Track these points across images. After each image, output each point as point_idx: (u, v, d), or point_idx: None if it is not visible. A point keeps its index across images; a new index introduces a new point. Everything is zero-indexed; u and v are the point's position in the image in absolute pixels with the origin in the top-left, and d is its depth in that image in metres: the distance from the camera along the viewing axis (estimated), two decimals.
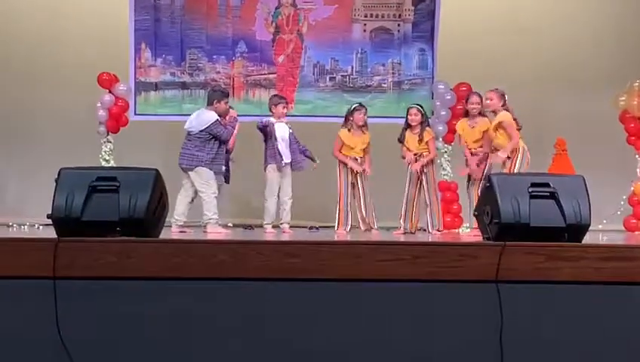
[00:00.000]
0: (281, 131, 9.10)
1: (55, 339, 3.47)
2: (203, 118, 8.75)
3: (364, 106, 9.37)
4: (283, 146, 9.05)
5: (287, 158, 9.04)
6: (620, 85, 9.92)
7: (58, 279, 3.50)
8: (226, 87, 10.31)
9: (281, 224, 9.01)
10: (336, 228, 9.13)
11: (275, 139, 8.97)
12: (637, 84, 9.98)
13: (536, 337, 3.63)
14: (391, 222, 9.30)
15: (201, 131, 8.68)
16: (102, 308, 3.57)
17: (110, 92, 9.99)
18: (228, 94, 9.21)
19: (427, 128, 9.06)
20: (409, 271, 3.59)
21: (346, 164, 9.15)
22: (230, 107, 9.09)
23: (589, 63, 10.68)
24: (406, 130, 9.08)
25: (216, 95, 9.02)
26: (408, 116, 9.13)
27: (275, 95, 9.66)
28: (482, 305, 3.61)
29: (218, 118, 8.75)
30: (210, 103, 8.94)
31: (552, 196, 4.10)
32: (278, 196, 9.01)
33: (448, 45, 10.81)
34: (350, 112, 9.25)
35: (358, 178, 9.17)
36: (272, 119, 9.09)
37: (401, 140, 9.03)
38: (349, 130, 9.21)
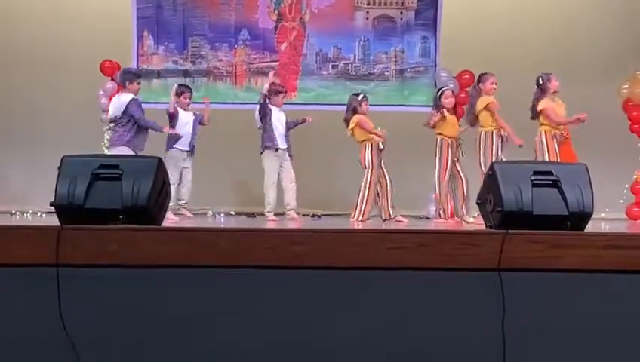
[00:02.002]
0: (280, 119, 9.10)
1: (58, 327, 3.48)
2: (121, 101, 8.67)
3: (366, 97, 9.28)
4: (281, 133, 9.05)
5: (283, 144, 9.04)
6: (623, 73, 9.91)
7: (61, 266, 3.51)
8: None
9: (288, 210, 8.99)
10: (359, 216, 8.93)
11: (272, 123, 8.96)
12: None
13: (539, 325, 3.63)
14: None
15: (122, 115, 8.60)
16: (105, 295, 3.58)
17: (112, 80, 10.00)
18: (139, 75, 9.14)
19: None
20: (412, 259, 3.59)
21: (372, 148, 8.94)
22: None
23: (592, 50, 10.68)
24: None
25: (128, 76, 8.96)
26: (443, 100, 8.97)
27: (273, 83, 9.58)
28: (484, 293, 3.61)
29: (134, 97, 8.67)
30: (123, 86, 8.87)
31: (555, 184, 4.09)
32: (279, 183, 9.00)
33: (451, 33, 10.82)
34: (359, 102, 9.13)
35: (383, 165, 9.02)
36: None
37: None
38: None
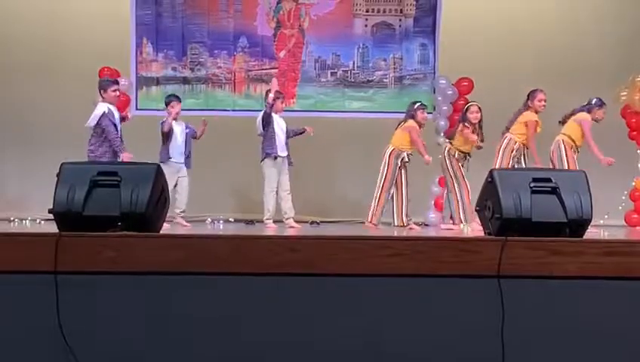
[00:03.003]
0: (280, 125, 9.10)
1: (56, 334, 3.47)
2: (95, 113, 8.47)
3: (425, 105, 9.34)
4: (282, 140, 9.04)
5: (283, 152, 9.03)
6: (621, 80, 9.92)
7: (59, 274, 3.50)
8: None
9: (286, 219, 8.99)
10: (372, 219, 8.99)
11: (274, 131, 8.95)
12: (639, 78, 9.99)
13: (538, 332, 3.63)
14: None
15: (96, 126, 8.42)
16: (103, 302, 3.58)
17: None
18: (115, 82, 8.93)
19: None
20: (410, 266, 3.59)
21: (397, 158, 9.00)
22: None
23: (590, 58, 10.69)
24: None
25: (102, 84, 8.72)
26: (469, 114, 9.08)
27: (269, 90, 9.54)
28: (483, 300, 3.61)
29: (105, 111, 8.40)
30: (100, 95, 8.71)
31: (554, 191, 4.09)
32: (277, 191, 9.00)
33: (450, 40, 10.82)
34: (415, 110, 9.18)
35: (403, 172, 9.08)
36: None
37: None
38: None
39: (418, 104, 9.23)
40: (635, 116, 10.02)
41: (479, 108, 9.07)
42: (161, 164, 8.66)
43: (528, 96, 8.96)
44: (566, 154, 8.65)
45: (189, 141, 9.19)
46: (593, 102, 8.87)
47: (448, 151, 9.00)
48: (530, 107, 8.87)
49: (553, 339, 3.64)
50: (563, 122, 8.89)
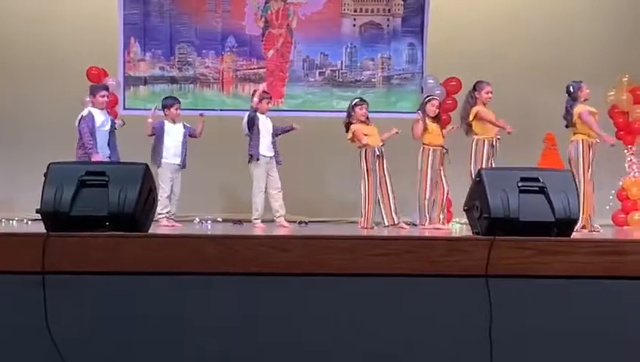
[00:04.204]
0: (266, 125, 9.08)
1: (44, 335, 3.46)
2: (79, 115, 8.66)
3: (365, 101, 9.24)
4: (267, 140, 9.02)
5: (270, 152, 9.01)
6: (608, 81, 9.96)
7: (47, 274, 3.49)
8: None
9: (277, 217, 8.97)
10: (364, 224, 8.92)
11: (259, 131, 8.92)
12: (626, 78, 10.03)
13: (526, 332, 3.64)
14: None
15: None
16: (91, 303, 3.57)
17: None
18: (104, 87, 9.01)
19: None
20: (399, 265, 3.60)
21: (366, 155, 8.90)
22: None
23: (578, 58, 10.72)
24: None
25: (91, 88, 8.94)
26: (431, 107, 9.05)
27: (256, 90, 9.52)
28: (471, 299, 3.61)
29: (84, 114, 8.59)
30: (90, 99, 8.82)
31: (542, 191, 4.11)
32: (267, 191, 8.98)
33: (438, 40, 10.84)
34: (352, 107, 9.11)
35: (385, 171, 9.01)
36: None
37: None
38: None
39: (355, 100, 9.20)
40: (623, 116, 10.05)
41: (440, 102, 9.12)
42: (158, 163, 8.80)
43: (475, 87, 8.86)
44: (583, 154, 8.51)
45: (185, 143, 9.15)
46: (572, 88, 8.71)
47: (423, 148, 8.93)
48: (477, 99, 8.80)
49: (541, 339, 3.64)
50: (568, 125, 8.71)
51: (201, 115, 9.28)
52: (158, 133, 8.99)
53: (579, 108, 8.49)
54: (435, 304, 3.65)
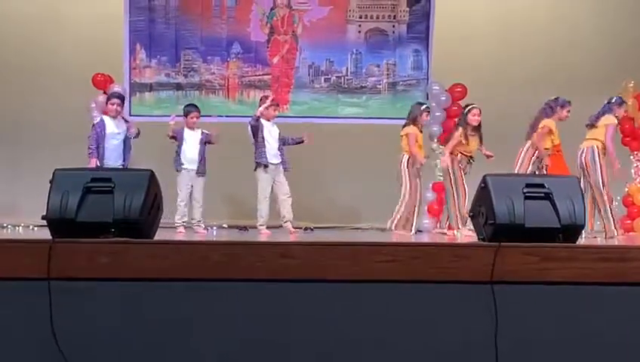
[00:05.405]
0: (272, 133, 9.08)
1: (49, 341, 3.46)
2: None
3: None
4: (273, 148, 9.02)
5: (276, 159, 9.01)
6: (613, 87, 9.93)
7: (52, 280, 3.49)
8: (218, 86, 10.33)
9: (284, 222, 8.96)
10: (394, 227, 8.93)
11: (263, 139, 8.93)
12: (631, 85, 10.00)
13: (531, 338, 3.63)
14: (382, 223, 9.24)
15: None
16: (96, 309, 3.57)
17: (105, 93, 9.98)
18: (117, 95, 9.12)
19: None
20: (405, 272, 3.59)
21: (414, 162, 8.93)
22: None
23: (583, 64, 10.72)
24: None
25: (107, 96, 9.18)
26: (470, 117, 8.92)
27: (264, 95, 9.58)
28: (477, 306, 3.61)
29: (97, 121, 8.88)
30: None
31: (547, 197, 4.10)
32: (276, 196, 8.98)
33: (443, 46, 10.84)
34: (420, 113, 9.12)
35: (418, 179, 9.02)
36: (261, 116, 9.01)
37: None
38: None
39: (424, 106, 9.20)
40: (628, 122, 10.03)
41: (480, 110, 8.99)
42: (178, 171, 8.91)
43: (557, 101, 8.86)
44: (600, 161, 8.59)
45: (203, 149, 9.18)
46: (614, 100, 8.82)
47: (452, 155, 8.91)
48: (556, 114, 8.79)
49: (546, 345, 3.64)
50: (591, 126, 8.79)
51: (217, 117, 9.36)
52: (179, 138, 9.07)
53: (608, 121, 8.61)
54: (441, 310, 3.64)
